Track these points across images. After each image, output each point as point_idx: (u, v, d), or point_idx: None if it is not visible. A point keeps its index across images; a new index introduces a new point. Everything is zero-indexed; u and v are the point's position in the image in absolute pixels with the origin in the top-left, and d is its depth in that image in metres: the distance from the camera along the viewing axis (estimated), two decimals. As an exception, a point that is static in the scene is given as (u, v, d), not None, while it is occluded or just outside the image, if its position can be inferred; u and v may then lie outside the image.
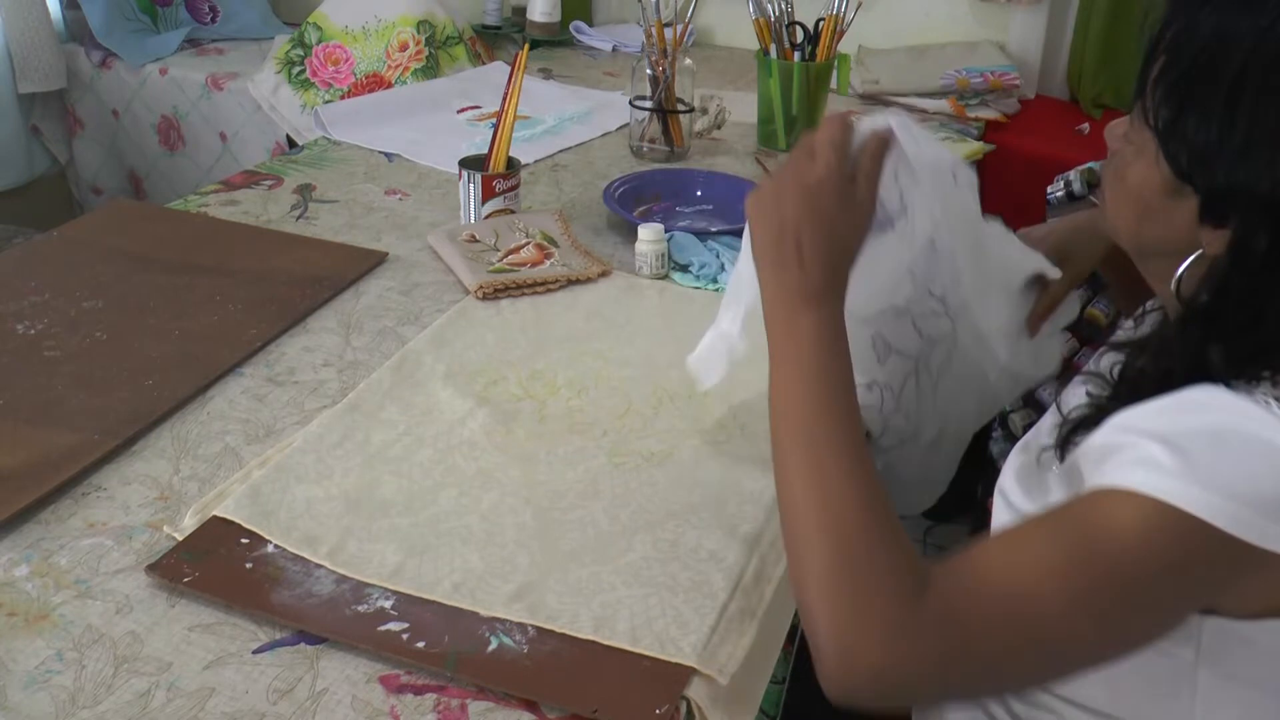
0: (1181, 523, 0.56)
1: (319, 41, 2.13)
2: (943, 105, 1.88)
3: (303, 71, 2.13)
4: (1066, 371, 1.50)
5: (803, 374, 0.69)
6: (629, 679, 0.66)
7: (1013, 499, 0.74)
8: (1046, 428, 0.78)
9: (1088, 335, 1.44)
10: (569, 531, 0.79)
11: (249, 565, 0.74)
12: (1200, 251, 0.65)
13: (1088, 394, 0.73)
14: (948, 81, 1.89)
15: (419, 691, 0.66)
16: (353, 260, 1.18)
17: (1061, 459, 0.70)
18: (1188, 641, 0.62)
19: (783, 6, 1.57)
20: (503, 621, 0.70)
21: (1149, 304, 0.83)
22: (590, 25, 2.34)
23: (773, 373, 0.71)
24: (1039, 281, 0.91)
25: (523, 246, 1.19)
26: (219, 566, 0.73)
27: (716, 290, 1.15)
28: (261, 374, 0.97)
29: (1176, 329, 0.66)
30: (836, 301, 0.72)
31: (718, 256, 1.20)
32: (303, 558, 0.75)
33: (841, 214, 0.73)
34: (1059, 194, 1.51)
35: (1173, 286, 0.67)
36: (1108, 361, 0.79)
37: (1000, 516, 0.75)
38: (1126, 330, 0.84)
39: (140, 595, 0.72)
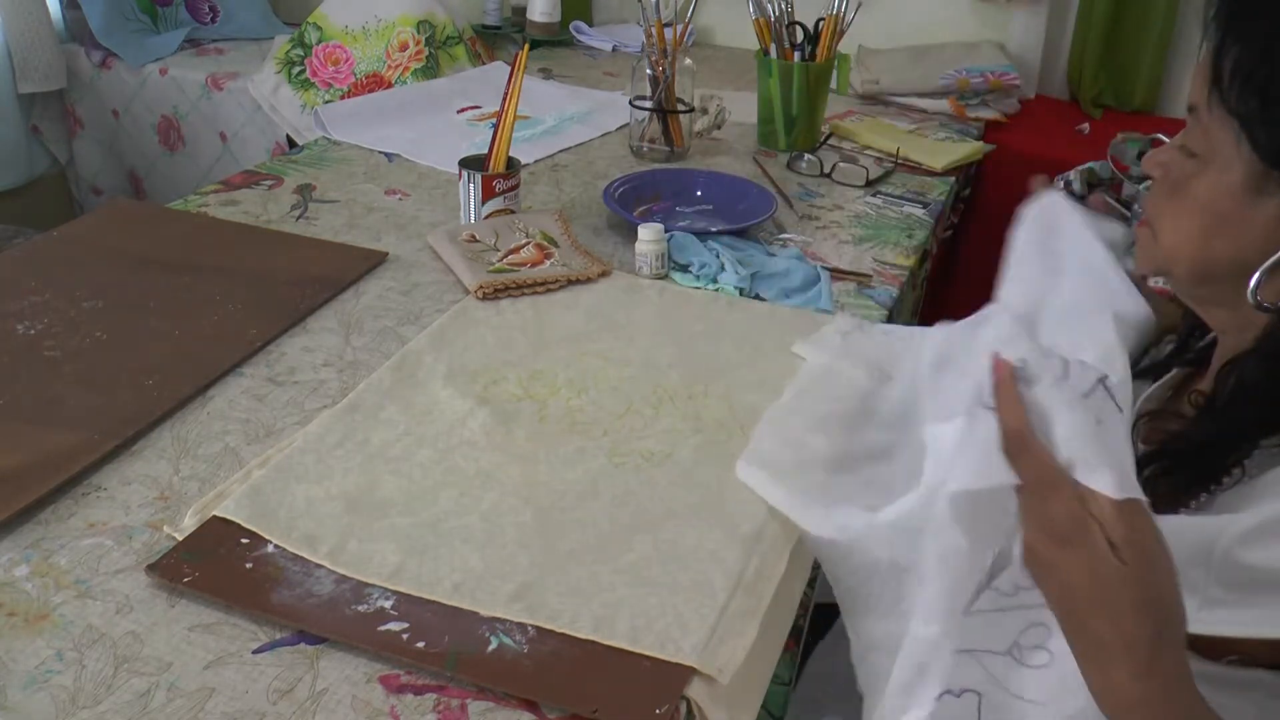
0: None
1: (319, 41, 2.14)
2: (943, 105, 1.88)
3: (303, 71, 2.14)
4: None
5: None
6: (629, 679, 0.66)
7: None
8: None
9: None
10: (569, 531, 0.79)
11: (249, 565, 0.74)
12: None
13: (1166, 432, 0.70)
14: (948, 81, 1.89)
15: (419, 691, 0.66)
16: (353, 260, 1.18)
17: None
18: None
19: (783, 6, 1.57)
20: (503, 621, 0.70)
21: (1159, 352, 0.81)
22: (590, 25, 2.34)
23: None
24: None
25: (523, 246, 1.19)
26: (219, 566, 0.73)
27: (716, 290, 1.16)
28: (261, 374, 0.97)
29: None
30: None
31: (718, 256, 1.20)
32: (303, 558, 0.75)
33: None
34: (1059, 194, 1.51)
35: (1251, 295, 0.64)
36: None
37: None
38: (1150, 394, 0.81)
39: (140, 595, 0.71)
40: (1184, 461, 0.66)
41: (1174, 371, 0.77)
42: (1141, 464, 0.67)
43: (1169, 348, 0.79)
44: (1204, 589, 0.60)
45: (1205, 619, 0.60)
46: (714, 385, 0.98)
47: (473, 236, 1.20)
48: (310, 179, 1.42)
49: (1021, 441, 0.56)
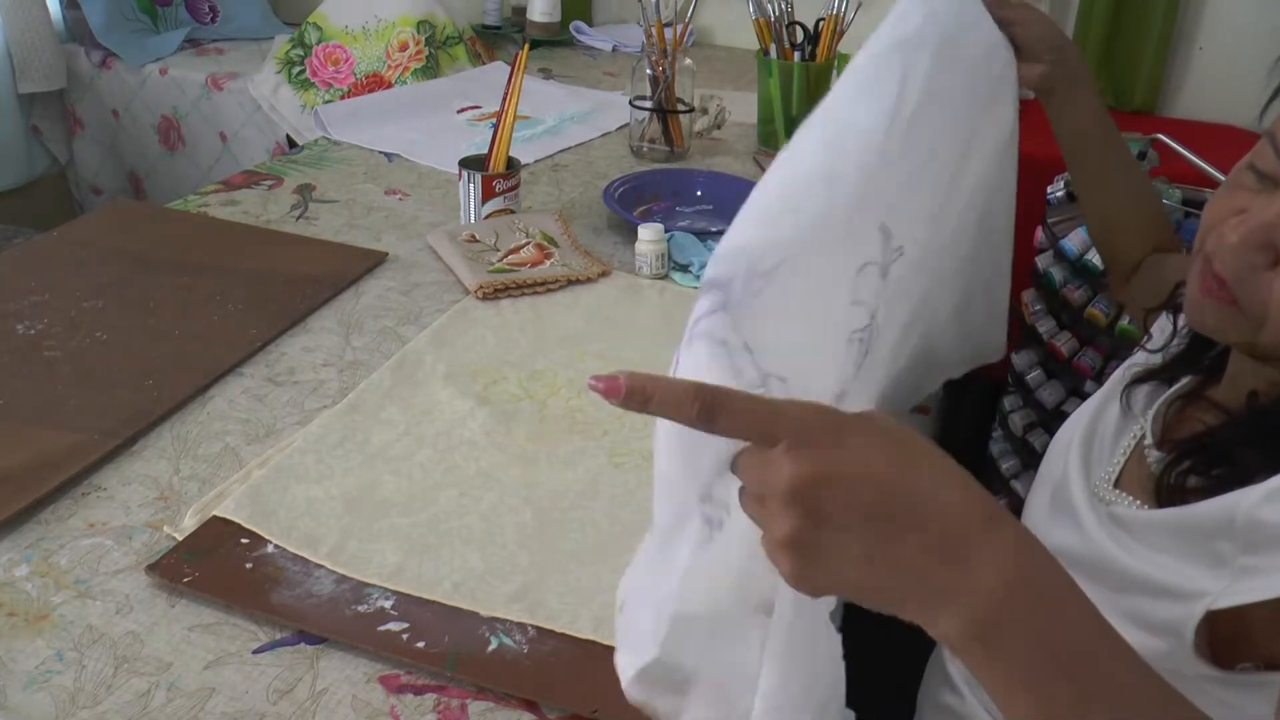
0: None
1: (319, 41, 2.14)
2: (943, 105, 1.88)
3: (303, 71, 2.14)
4: (1069, 373, 1.50)
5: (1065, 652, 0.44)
6: (629, 679, 0.66)
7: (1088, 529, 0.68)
8: (1101, 457, 0.73)
9: (1088, 335, 1.44)
10: (569, 531, 0.79)
11: (249, 565, 0.74)
12: None
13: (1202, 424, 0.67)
14: (948, 81, 1.89)
15: (419, 691, 0.66)
16: (353, 260, 1.18)
17: (1162, 498, 0.64)
18: None
19: (783, 6, 1.57)
20: (503, 621, 0.70)
21: (1160, 318, 0.80)
22: (590, 25, 2.34)
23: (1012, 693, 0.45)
24: None
25: (523, 246, 1.19)
26: (219, 566, 0.73)
27: (716, 290, 1.15)
28: (261, 374, 0.97)
29: None
30: (997, 527, 0.44)
31: (718, 256, 1.20)
32: (303, 558, 0.75)
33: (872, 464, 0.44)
34: (1059, 194, 1.51)
35: None
36: (1139, 389, 0.76)
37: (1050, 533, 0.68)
38: (1146, 351, 0.80)
39: (140, 595, 0.72)
40: (1219, 457, 0.64)
41: (1187, 379, 0.77)
42: (1172, 463, 0.65)
43: (1177, 350, 0.78)
44: (1232, 560, 0.58)
45: (1240, 590, 0.57)
46: (714, 385, 0.98)
47: (473, 236, 1.20)
48: (310, 179, 1.42)
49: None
